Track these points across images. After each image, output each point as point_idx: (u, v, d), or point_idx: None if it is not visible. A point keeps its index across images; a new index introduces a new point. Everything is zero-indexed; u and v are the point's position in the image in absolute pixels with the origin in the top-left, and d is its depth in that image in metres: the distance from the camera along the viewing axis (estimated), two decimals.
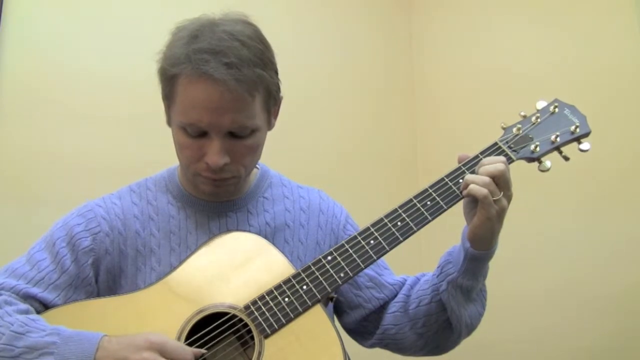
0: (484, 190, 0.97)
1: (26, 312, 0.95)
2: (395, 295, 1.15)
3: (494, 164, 1.00)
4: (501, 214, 0.99)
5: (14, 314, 0.93)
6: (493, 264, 1.06)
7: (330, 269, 0.99)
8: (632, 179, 1.50)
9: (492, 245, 1.02)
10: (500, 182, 0.98)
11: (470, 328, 1.10)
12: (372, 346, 1.17)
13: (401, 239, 1.01)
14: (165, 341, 0.89)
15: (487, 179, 0.98)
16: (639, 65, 1.50)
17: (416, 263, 2.07)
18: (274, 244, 1.05)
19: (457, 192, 1.02)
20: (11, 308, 0.94)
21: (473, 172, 1.02)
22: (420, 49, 2.33)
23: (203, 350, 0.92)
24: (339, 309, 1.18)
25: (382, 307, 1.15)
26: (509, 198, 1.00)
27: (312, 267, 1.00)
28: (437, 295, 1.07)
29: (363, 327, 1.16)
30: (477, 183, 0.98)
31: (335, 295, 1.13)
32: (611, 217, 1.55)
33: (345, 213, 1.21)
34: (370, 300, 1.14)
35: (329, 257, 1.00)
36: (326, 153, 2.12)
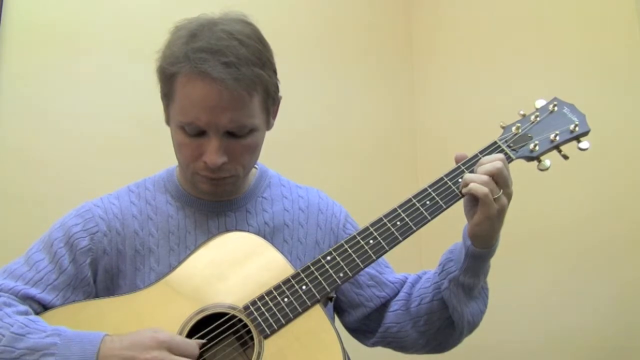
0: (485, 189, 0.97)
1: (25, 313, 0.95)
2: (397, 293, 1.15)
3: (492, 162, 1.00)
4: (501, 212, 0.99)
5: (14, 315, 0.92)
6: (493, 264, 1.06)
7: (329, 269, 0.99)
8: (632, 178, 1.50)
9: (493, 243, 1.02)
10: (499, 180, 0.98)
11: (472, 326, 1.09)
12: (374, 345, 1.17)
13: (400, 238, 1.01)
14: (172, 337, 0.89)
15: (486, 178, 0.98)
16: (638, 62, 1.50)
17: (416, 263, 2.06)
18: (273, 243, 1.05)
19: (457, 191, 1.02)
20: (10, 309, 0.93)
21: (472, 172, 1.02)
22: (420, 48, 2.33)
23: (204, 341, 0.93)
24: (340, 309, 1.18)
25: (384, 306, 1.15)
26: (508, 196, 1.00)
27: (311, 267, 0.99)
28: (438, 293, 1.07)
29: (365, 325, 1.16)
30: (476, 182, 0.98)
31: (335, 296, 1.13)
32: (612, 217, 1.55)
33: (345, 212, 1.21)
34: (372, 298, 1.14)
35: (328, 257, 1.00)
36: (326, 153, 2.12)
